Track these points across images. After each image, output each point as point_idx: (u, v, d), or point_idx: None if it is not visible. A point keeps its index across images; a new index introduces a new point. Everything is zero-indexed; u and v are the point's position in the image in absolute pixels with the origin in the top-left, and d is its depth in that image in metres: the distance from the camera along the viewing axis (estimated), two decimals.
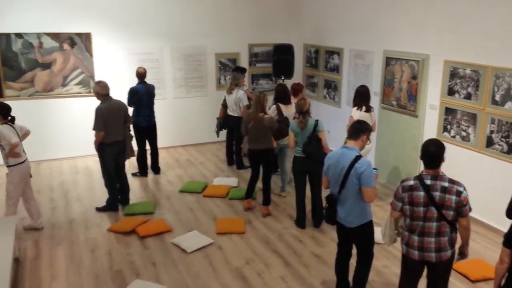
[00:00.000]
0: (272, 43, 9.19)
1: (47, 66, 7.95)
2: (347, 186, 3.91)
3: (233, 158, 8.12)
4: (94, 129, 5.94)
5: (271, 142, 6.14)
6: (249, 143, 6.10)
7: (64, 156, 8.40)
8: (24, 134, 5.59)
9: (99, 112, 5.91)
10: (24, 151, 5.46)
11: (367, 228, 4.05)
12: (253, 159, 6.18)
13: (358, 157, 3.87)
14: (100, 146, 6.05)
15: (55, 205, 6.51)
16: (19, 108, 7.82)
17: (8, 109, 5.36)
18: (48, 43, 7.86)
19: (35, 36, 7.76)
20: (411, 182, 3.52)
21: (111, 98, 6.10)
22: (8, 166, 5.37)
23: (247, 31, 9.38)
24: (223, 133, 8.08)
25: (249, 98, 7.68)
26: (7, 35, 7.60)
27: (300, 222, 5.87)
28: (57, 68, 8.01)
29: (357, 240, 4.14)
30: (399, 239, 3.81)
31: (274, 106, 6.73)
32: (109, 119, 5.95)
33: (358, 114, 6.14)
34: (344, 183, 3.91)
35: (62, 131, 8.30)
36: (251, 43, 9.50)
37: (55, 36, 7.89)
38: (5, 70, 7.70)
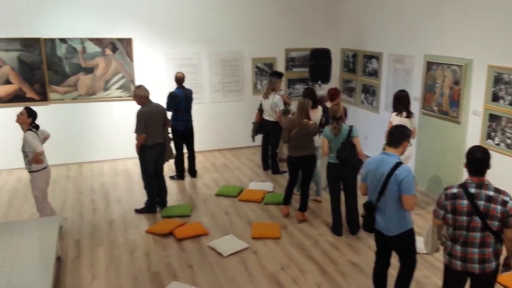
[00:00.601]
0: (309, 48, 9.16)
1: (89, 70, 8.21)
2: (387, 193, 3.83)
3: (269, 162, 8.12)
4: (136, 132, 6.07)
5: (314, 148, 6.10)
6: (291, 150, 6.03)
7: (105, 158, 8.64)
8: (44, 138, 5.70)
9: (140, 115, 6.05)
10: (45, 157, 5.51)
11: (408, 236, 3.95)
12: (293, 166, 6.13)
13: (398, 164, 3.79)
14: (142, 149, 6.18)
15: (96, 206, 6.70)
16: (62, 111, 8.19)
17: (36, 115, 5.48)
18: (91, 48, 8.13)
19: (79, 41, 8.04)
20: (455, 190, 3.42)
21: (150, 101, 6.24)
22: (31, 172, 5.44)
23: (284, 35, 9.39)
24: (259, 137, 8.10)
25: (285, 103, 7.68)
26: (52, 40, 7.90)
27: (336, 229, 5.79)
28: (99, 72, 8.27)
29: (397, 248, 4.05)
30: (441, 248, 3.71)
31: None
32: (150, 122, 6.08)
33: (397, 120, 6.01)
34: (383, 190, 3.83)
35: (103, 134, 8.55)
36: (288, 48, 9.50)
37: (97, 41, 8.15)
38: (50, 74, 8.00)
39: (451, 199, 3.41)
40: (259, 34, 9.20)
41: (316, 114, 6.56)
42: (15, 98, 7.86)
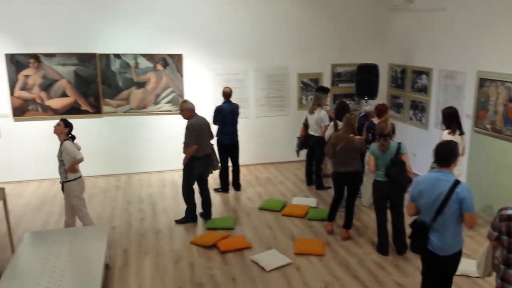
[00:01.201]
0: (355, 63, 9.09)
1: (141, 85, 8.52)
2: (446, 213, 3.69)
3: (313, 178, 8.07)
4: (187, 143, 6.23)
5: (360, 164, 6.03)
6: (336, 165, 6.00)
7: (153, 169, 8.88)
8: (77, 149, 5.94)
9: (191, 127, 6.23)
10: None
11: (459, 256, 3.86)
12: (338, 182, 6.08)
13: (457, 182, 3.68)
14: (191, 160, 6.33)
15: (143, 215, 6.88)
16: (114, 123, 8.52)
17: (72, 126, 5.72)
18: (144, 63, 8.44)
19: (132, 57, 8.38)
20: (510, 212, 3.28)
21: (196, 114, 6.41)
22: (67, 182, 5.59)
23: (330, 51, 9.38)
24: (303, 152, 8.09)
25: (331, 119, 7.65)
26: (107, 56, 8.28)
27: (382, 248, 5.65)
28: (151, 87, 8.56)
29: (447, 268, 3.90)
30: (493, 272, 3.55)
31: (332, 123, 6.97)
32: (200, 133, 6.28)
33: (450, 138, 5.83)
34: (441, 210, 3.70)
35: (152, 146, 8.81)
36: (334, 63, 9.47)
37: (150, 57, 8.45)
38: (104, 88, 8.37)
39: (506, 220, 3.28)
40: (305, 49, 9.24)
41: None
42: (71, 110, 8.26)
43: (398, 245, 5.63)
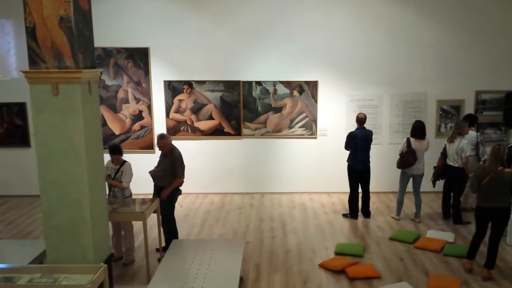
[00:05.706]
0: (504, 90, 8.43)
1: (278, 110, 9.01)
2: None
3: (450, 211, 7.61)
4: (180, 174, 6.32)
5: (510, 200, 5.58)
6: (481, 200, 5.65)
7: (284, 190, 9.25)
8: None
9: (181, 158, 6.37)
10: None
11: None
12: (482, 218, 5.70)
13: None
14: (172, 190, 6.37)
15: (274, 234, 7.21)
16: (252, 145, 9.14)
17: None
18: (281, 90, 8.94)
19: (271, 84, 8.93)
20: None
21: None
22: (125, 198, 6.28)
23: (475, 76, 8.83)
24: (440, 183, 7.69)
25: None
26: (249, 83, 8.95)
27: None
28: (286, 112, 9.01)
29: None
30: None
31: (405, 139, 7.48)
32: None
33: None
34: None
35: (284, 168, 9.19)
36: (479, 90, 8.89)
37: (287, 84, 8.92)
38: (245, 112, 9.04)
39: None
40: (446, 74, 8.85)
41: (421, 145, 7.36)
42: (215, 131, 9.08)
43: None
